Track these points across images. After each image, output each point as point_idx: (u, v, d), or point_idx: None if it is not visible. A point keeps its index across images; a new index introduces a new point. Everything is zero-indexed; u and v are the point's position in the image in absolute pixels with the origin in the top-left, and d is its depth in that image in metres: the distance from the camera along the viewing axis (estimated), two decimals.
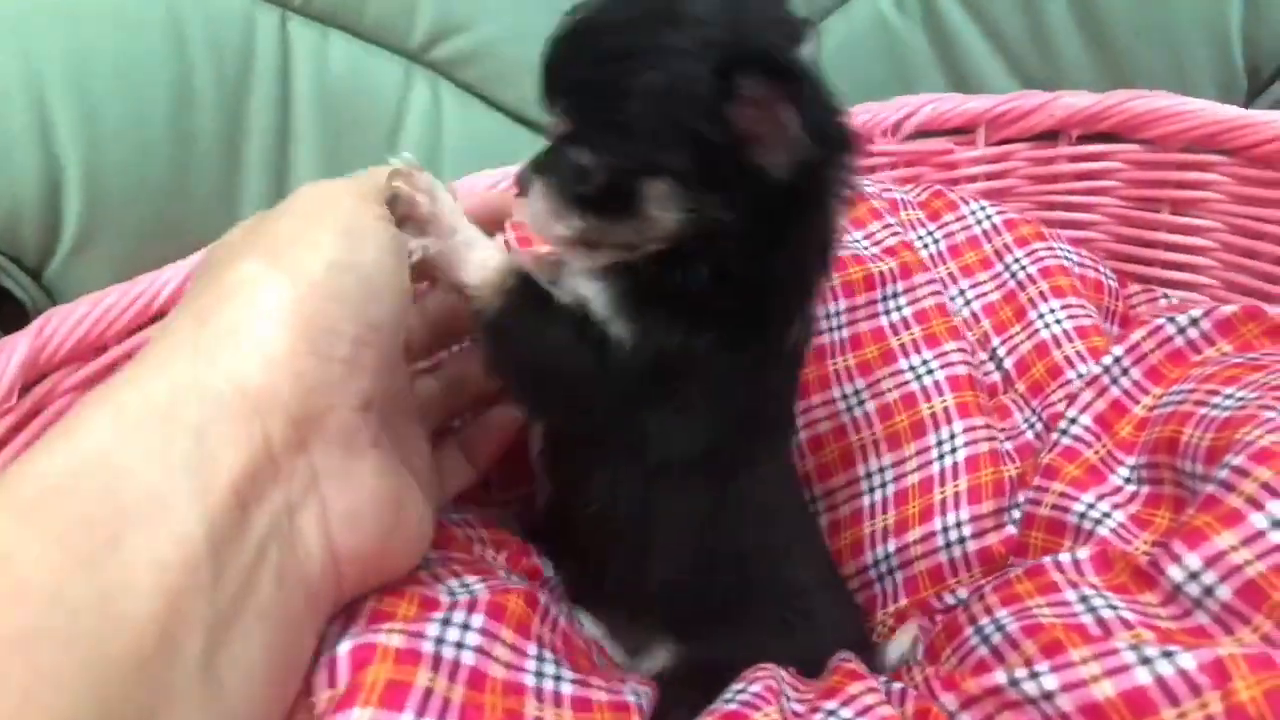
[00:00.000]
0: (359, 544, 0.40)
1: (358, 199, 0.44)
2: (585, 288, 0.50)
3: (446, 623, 0.42)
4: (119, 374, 0.37)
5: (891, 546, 0.65)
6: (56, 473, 0.32)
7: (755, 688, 0.49)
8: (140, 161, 0.81)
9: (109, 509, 0.31)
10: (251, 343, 0.38)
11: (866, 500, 0.66)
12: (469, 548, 0.53)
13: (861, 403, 0.67)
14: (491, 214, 0.56)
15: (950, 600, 0.63)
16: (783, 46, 0.47)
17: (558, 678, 0.43)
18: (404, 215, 0.48)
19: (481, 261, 0.49)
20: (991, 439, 0.68)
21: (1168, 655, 0.41)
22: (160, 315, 0.67)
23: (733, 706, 0.48)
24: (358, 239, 0.42)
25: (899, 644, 0.61)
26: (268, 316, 0.38)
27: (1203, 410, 0.57)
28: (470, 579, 0.46)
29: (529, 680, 0.43)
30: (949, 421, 0.67)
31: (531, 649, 0.44)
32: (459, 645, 0.41)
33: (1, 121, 0.75)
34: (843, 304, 0.68)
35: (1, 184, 0.75)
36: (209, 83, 0.83)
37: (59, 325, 0.62)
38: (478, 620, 0.43)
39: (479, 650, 0.42)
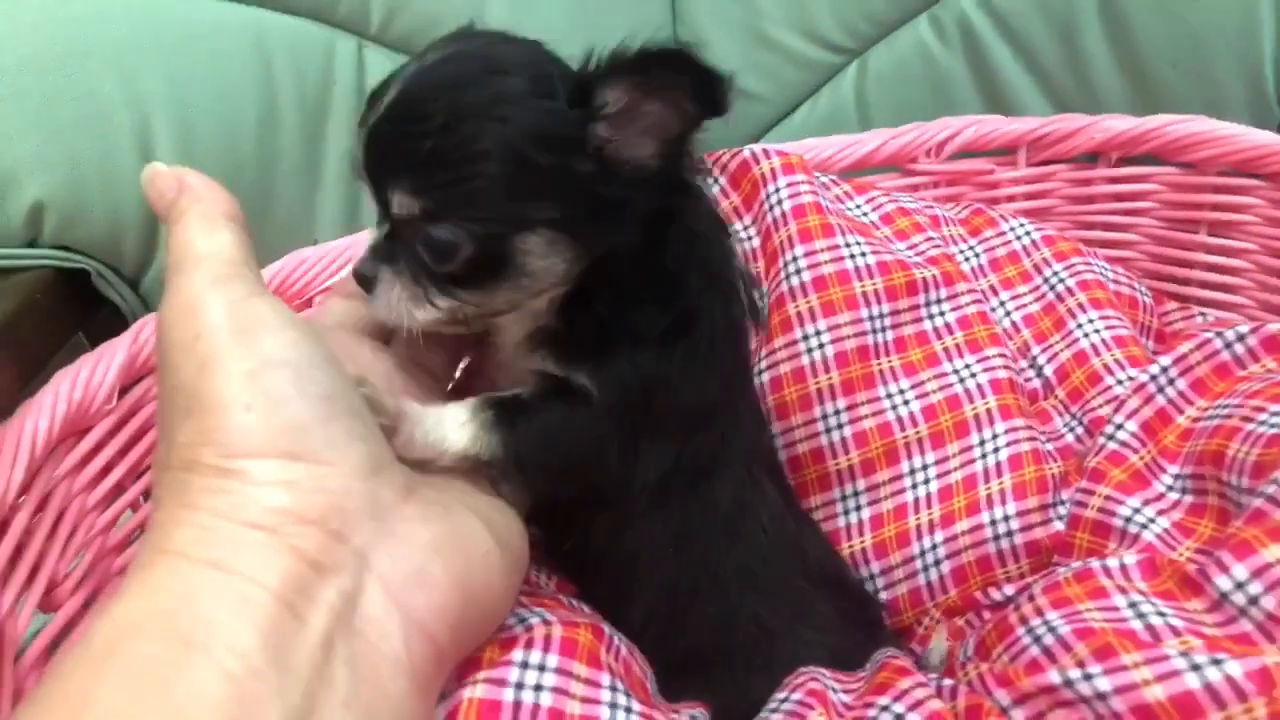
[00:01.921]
0: (437, 599, 0.39)
1: (210, 292, 0.39)
2: (526, 361, 0.47)
3: (525, 665, 0.42)
4: (142, 539, 0.37)
5: (939, 537, 0.64)
6: (118, 624, 0.33)
7: (798, 695, 0.48)
8: (230, 179, 0.79)
9: (170, 641, 0.32)
10: (235, 486, 0.36)
11: (910, 495, 0.65)
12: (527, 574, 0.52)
13: (906, 402, 0.66)
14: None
15: (997, 596, 0.62)
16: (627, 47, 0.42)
17: (629, 709, 0.43)
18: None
19: (455, 423, 0.45)
20: (1033, 439, 0.67)
21: (1217, 663, 0.41)
22: None
23: (778, 718, 0.47)
24: (251, 336, 0.38)
25: (936, 648, 0.60)
26: (233, 457, 0.36)
27: (1249, 426, 0.56)
28: (541, 610, 0.46)
29: (604, 713, 0.42)
30: (991, 423, 0.67)
31: (604, 679, 0.44)
32: (537, 688, 0.41)
33: (108, 142, 0.76)
34: (886, 307, 0.67)
35: (107, 200, 0.77)
36: (291, 106, 0.85)
37: (154, 332, 0.63)
38: (553, 660, 0.43)
39: (556, 690, 0.42)
